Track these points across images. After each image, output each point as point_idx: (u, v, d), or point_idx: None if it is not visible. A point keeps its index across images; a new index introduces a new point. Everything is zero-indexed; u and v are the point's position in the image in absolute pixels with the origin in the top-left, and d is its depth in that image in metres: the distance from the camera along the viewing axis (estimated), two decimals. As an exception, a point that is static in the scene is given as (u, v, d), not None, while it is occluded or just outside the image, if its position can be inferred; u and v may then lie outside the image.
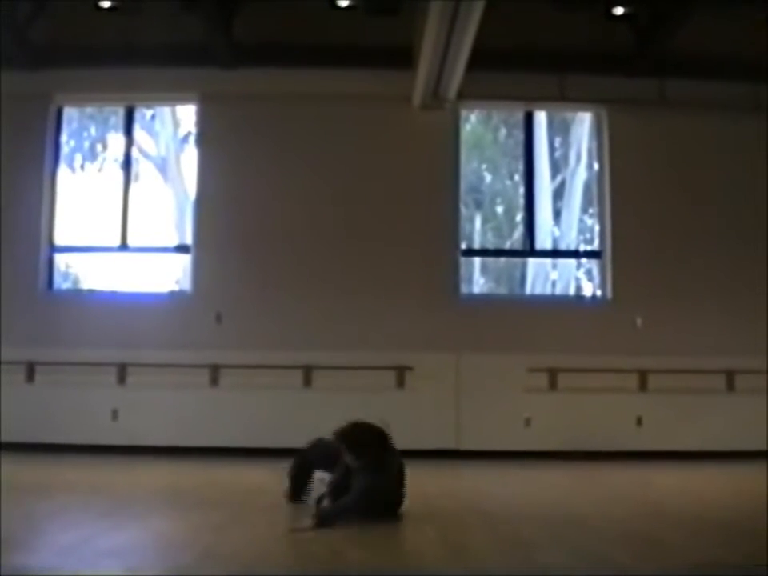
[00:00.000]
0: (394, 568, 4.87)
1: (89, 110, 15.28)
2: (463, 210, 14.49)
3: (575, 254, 14.94)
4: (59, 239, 14.19)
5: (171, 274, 14.59)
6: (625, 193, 13.92)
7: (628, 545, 5.64)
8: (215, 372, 13.17)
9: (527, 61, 13.59)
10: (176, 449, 12.58)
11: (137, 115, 14.74)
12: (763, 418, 12.81)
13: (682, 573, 4.81)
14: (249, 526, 6.34)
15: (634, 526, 6.58)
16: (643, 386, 13.29)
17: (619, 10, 13.27)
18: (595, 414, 13.01)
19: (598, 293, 14.21)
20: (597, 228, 14.43)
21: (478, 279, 15.09)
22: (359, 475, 6.76)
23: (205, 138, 14.17)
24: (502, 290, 15.27)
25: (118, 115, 14.86)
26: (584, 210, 15.09)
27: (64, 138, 14.68)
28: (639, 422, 13.14)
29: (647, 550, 5.48)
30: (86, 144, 15.45)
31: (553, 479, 10.66)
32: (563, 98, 14.06)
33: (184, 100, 14.60)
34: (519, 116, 14.80)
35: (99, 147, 15.51)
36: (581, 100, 14.33)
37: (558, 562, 5.13)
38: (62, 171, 14.54)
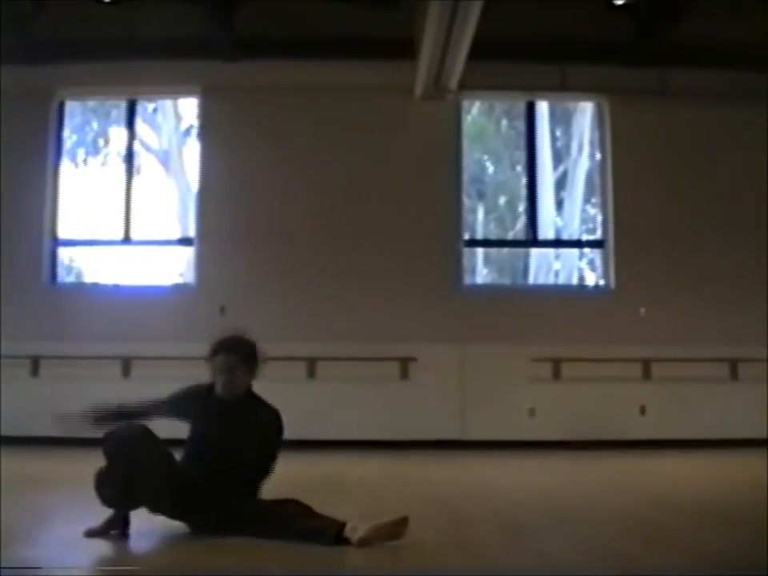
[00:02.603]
0: (398, 559, 4.88)
1: (91, 103, 15.29)
2: (466, 200, 14.50)
3: (578, 243, 14.95)
4: (62, 233, 14.22)
5: (175, 267, 14.62)
6: (627, 182, 13.93)
7: (633, 534, 5.64)
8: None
9: (528, 51, 13.59)
10: (180, 441, 12.58)
11: (139, 108, 14.75)
12: (766, 407, 12.82)
13: (686, 563, 4.82)
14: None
15: (639, 515, 6.58)
16: (647, 375, 13.30)
17: (620, 0, 13.27)
18: (599, 404, 13.01)
19: (601, 282, 14.23)
20: (599, 218, 14.45)
21: (481, 270, 15.10)
22: (259, 411, 5.90)
23: (207, 130, 14.19)
24: (505, 281, 15.28)
25: (119, 109, 14.87)
26: (586, 200, 15.11)
27: (66, 132, 14.70)
28: (643, 411, 13.16)
29: (652, 539, 5.49)
30: (89, 138, 15.47)
31: (557, 468, 10.68)
32: (564, 87, 14.06)
33: (186, 93, 14.63)
34: (521, 106, 14.81)
35: (101, 141, 15.53)
36: (582, 90, 14.35)
37: (562, 551, 5.14)
38: (65, 165, 14.57)
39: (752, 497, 7.65)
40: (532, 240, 14.43)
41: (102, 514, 5.33)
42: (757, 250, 13.43)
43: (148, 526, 5.51)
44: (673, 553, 5.05)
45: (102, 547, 5.11)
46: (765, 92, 13.51)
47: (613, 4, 13.32)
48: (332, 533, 4.98)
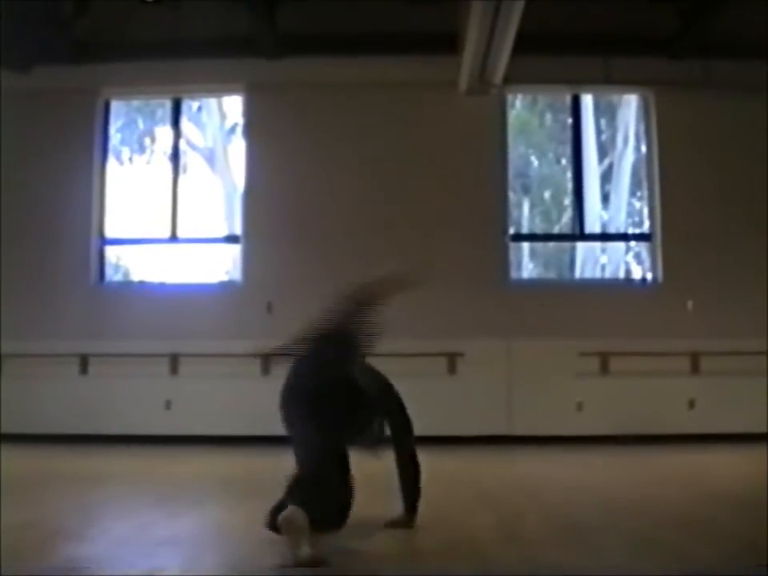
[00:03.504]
0: (449, 554, 4.87)
1: (136, 103, 15.37)
2: (511, 195, 14.44)
3: (624, 237, 14.85)
4: (110, 232, 14.30)
5: (221, 265, 14.67)
6: (673, 175, 13.82)
7: (684, 529, 5.61)
8: (267, 361, 13.21)
9: (572, 44, 13.51)
10: (229, 438, 12.67)
11: (183, 107, 14.81)
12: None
13: (739, 557, 4.79)
14: (304, 513, 6.35)
15: (689, 509, 6.54)
16: (695, 368, 13.21)
17: (662, -8, 13.21)
18: (647, 398, 12.92)
19: (648, 276, 14.13)
20: (645, 211, 14.34)
21: (527, 264, 15.04)
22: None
23: (251, 128, 14.23)
24: (552, 275, 15.23)
25: (165, 108, 14.95)
26: (632, 193, 15.00)
27: (112, 131, 14.78)
28: (692, 404, 13.07)
29: (702, 533, 5.45)
30: (135, 137, 15.56)
31: (606, 463, 10.60)
32: (609, 80, 13.96)
33: (230, 91, 14.67)
34: (565, 100, 14.73)
35: (147, 140, 15.62)
36: (626, 83, 14.23)
37: (614, 546, 5.12)
38: (111, 164, 14.64)
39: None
40: (578, 234, 14.35)
41: (152, 508, 5.33)
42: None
43: (198, 524, 5.51)
44: (723, 546, 5.02)
45: (156, 543, 5.13)
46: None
47: (655, -4, 13.26)
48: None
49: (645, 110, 14.35)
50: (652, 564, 4.61)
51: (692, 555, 4.81)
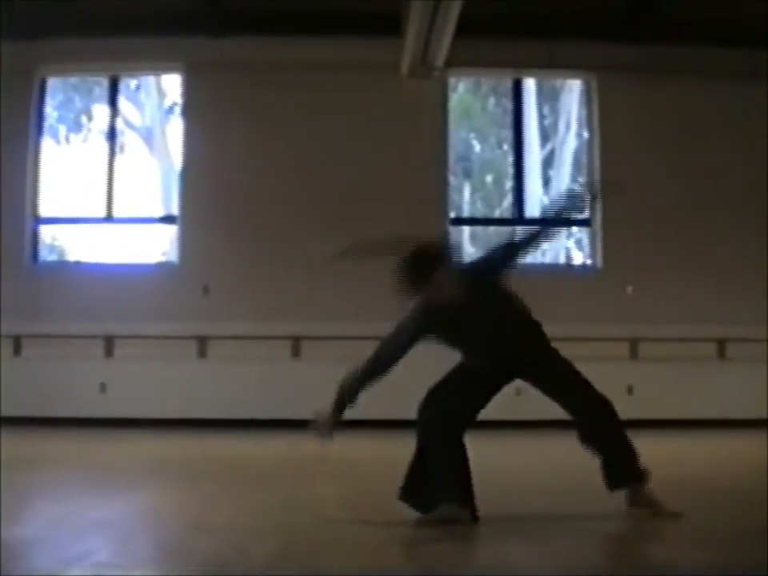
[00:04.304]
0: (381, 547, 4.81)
1: (73, 80, 15.14)
2: (452, 179, 14.42)
3: (564, 222, 14.84)
4: (44, 211, 14.08)
5: (157, 246, 14.52)
6: (615, 161, 13.82)
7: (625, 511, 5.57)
8: (203, 344, 13.10)
9: (516, 27, 13.45)
10: (164, 421, 12.53)
11: (121, 86, 14.60)
12: (754, 386, 12.80)
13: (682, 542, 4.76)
14: (238, 497, 6.29)
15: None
16: (634, 354, 13.27)
17: (609, -24, 13.21)
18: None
19: (589, 261, 14.16)
20: (586, 196, 14.34)
21: (467, 248, 15.02)
22: None
23: (190, 108, 14.07)
24: (492, 260, 15.22)
25: (102, 86, 14.72)
26: (574, 179, 15.02)
27: (48, 109, 14.54)
28: (630, 390, 13.09)
29: (640, 522, 5.42)
30: (71, 115, 15.33)
31: (546, 448, 10.60)
32: (552, 65, 13.94)
33: (169, 70, 14.49)
34: (508, 84, 14.71)
35: (84, 118, 15.39)
36: (570, 67, 14.24)
37: (543, 531, 5.08)
38: (47, 143, 14.42)
39: (745, 474, 7.63)
40: (518, 218, 14.32)
41: (85, 491, 5.22)
42: (746, 228, 13.38)
43: (131, 507, 5.41)
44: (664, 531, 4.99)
45: (88, 525, 5.02)
46: (754, 69, 13.44)
47: (603, -21, 13.25)
48: None
49: (587, 95, 14.38)
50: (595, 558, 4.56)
51: (637, 548, 4.79)
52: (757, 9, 12.45)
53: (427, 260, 5.14)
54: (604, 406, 5.53)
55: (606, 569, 4.25)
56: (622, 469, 5.33)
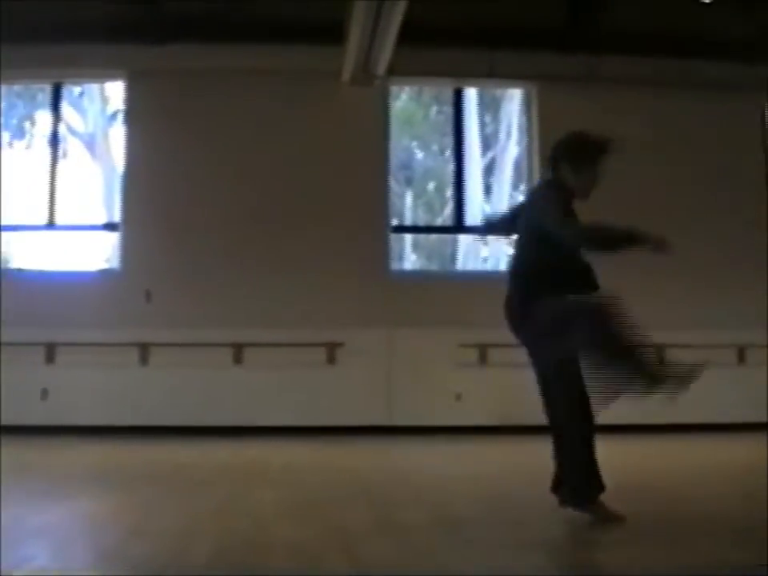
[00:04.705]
0: (320, 547, 4.87)
1: (16, 87, 15.06)
2: (394, 186, 14.50)
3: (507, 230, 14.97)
4: (-15, 218, 14.00)
5: (100, 253, 14.48)
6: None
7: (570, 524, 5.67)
8: (145, 351, 13.08)
9: (458, 37, 13.53)
10: (106, 428, 12.49)
11: (65, 92, 14.55)
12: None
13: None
14: (177, 503, 6.34)
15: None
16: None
17: (550, -14, 13.36)
18: (526, 389, 13.05)
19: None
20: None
21: (409, 256, 15.13)
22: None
23: (132, 114, 14.04)
24: (434, 267, 15.33)
25: (45, 92, 14.67)
26: (515, 187, 15.16)
27: (-10, 115, 14.47)
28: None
29: (581, 527, 5.52)
30: (14, 121, 15.25)
31: (484, 454, 10.70)
32: (493, 74, 14.05)
33: (112, 77, 14.44)
34: (449, 92, 14.80)
35: (27, 124, 15.32)
36: (511, 77, 14.36)
37: (495, 541, 5.17)
38: (-11, 149, 14.34)
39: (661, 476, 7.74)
40: (459, 226, 14.44)
41: (25, 499, 5.23)
42: (698, 235, 13.51)
43: (70, 515, 5.44)
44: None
45: (26, 533, 5.05)
46: (692, 78, 13.65)
47: (543, -11, 13.39)
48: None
49: (527, 104, 14.53)
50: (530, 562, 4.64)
51: (580, 554, 4.88)
52: (692, 20, 12.73)
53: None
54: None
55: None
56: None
